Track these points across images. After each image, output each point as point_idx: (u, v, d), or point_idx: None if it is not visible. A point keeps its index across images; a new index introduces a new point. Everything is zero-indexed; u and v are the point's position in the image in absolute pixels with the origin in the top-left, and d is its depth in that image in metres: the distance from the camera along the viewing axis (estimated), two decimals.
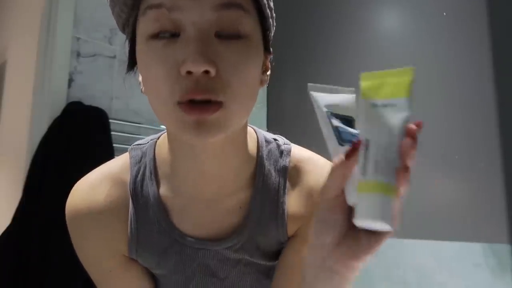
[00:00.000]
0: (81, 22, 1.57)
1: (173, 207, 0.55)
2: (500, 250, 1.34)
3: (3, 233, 1.30)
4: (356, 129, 0.41)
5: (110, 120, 1.53)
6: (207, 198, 0.55)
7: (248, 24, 0.45)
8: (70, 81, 1.52)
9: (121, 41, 1.68)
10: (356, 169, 0.37)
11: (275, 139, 0.62)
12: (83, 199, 0.55)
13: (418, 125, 0.39)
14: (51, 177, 1.34)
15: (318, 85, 0.44)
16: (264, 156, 0.58)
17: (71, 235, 0.58)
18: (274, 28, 0.54)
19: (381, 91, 0.39)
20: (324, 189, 0.39)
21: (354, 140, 0.38)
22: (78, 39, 1.55)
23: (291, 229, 0.58)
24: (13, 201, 1.35)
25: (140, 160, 0.57)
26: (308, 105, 0.45)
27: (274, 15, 0.52)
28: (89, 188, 0.56)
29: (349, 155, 0.37)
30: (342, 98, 0.44)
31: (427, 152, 1.57)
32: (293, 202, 0.58)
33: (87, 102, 1.52)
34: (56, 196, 1.33)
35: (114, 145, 1.50)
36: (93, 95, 1.57)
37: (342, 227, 0.39)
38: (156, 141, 0.60)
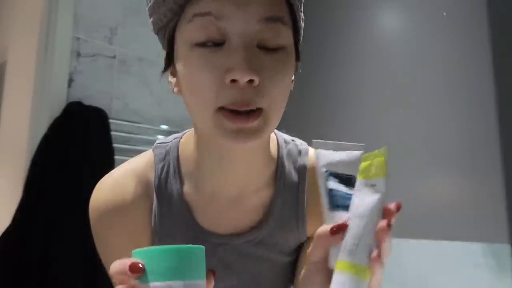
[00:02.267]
0: (81, 22, 1.57)
1: (195, 204, 0.57)
2: (500, 250, 1.34)
3: (3, 233, 1.30)
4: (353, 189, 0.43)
5: (110, 120, 1.53)
6: (229, 197, 0.57)
7: (286, 36, 0.48)
8: (70, 81, 1.52)
9: (121, 41, 1.69)
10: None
11: (292, 140, 0.64)
12: (109, 195, 0.56)
13: (398, 208, 0.41)
14: (51, 177, 1.34)
15: (324, 141, 0.45)
16: (284, 156, 0.61)
17: (96, 230, 0.58)
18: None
19: (370, 171, 0.42)
20: (309, 253, 0.43)
21: (346, 203, 0.41)
22: (78, 39, 1.55)
23: (311, 227, 0.60)
24: (13, 201, 1.35)
25: (164, 158, 0.59)
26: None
27: (302, 27, 0.54)
28: (115, 185, 0.57)
29: (333, 232, 0.40)
30: (346, 156, 0.45)
31: (427, 152, 1.57)
32: (313, 201, 0.60)
33: (87, 102, 1.52)
34: (56, 196, 1.33)
35: (114, 145, 1.50)
36: (93, 95, 1.57)
37: (327, 283, 0.42)
38: (179, 140, 0.61)
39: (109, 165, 1.47)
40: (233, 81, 0.43)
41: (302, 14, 0.52)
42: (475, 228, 1.41)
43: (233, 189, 0.57)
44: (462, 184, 1.46)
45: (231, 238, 0.57)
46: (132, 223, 0.56)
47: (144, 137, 1.68)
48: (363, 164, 0.42)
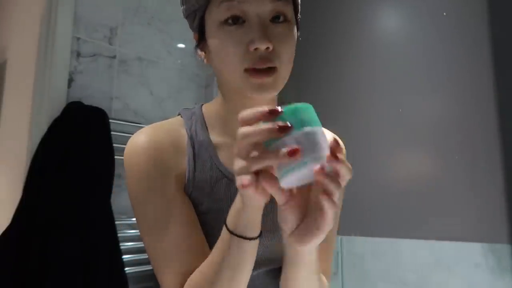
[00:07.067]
0: (81, 22, 1.57)
1: (221, 149, 0.69)
2: (500, 250, 1.34)
3: (3, 233, 1.30)
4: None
5: (110, 120, 1.53)
6: None
7: (290, 11, 0.63)
8: (70, 81, 1.52)
9: (121, 41, 1.69)
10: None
11: None
12: (149, 139, 0.65)
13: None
14: (51, 177, 1.34)
15: None
16: None
17: (134, 169, 0.64)
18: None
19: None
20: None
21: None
22: (78, 39, 1.55)
23: None
24: (13, 201, 1.35)
25: (191, 118, 0.72)
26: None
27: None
28: (152, 129, 0.67)
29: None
30: None
31: (427, 152, 1.57)
32: None
33: (87, 102, 1.52)
34: (56, 196, 1.33)
35: (114, 145, 1.50)
36: (93, 95, 1.57)
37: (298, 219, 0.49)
38: (201, 105, 0.75)
39: (109, 165, 1.47)
40: (255, 49, 0.58)
41: None
42: (475, 228, 1.41)
43: None
44: (462, 184, 1.46)
45: None
46: (171, 159, 0.65)
47: None
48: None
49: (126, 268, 1.43)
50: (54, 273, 1.26)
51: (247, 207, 0.49)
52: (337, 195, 0.44)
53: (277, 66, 0.60)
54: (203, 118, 0.72)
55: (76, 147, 1.40)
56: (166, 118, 0.72)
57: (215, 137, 0.70)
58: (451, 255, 1.43)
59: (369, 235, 1.64)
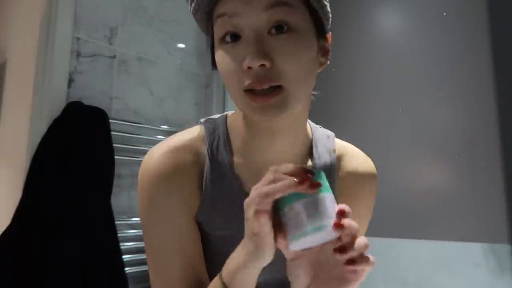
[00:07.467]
0: (81, 22, 1.57)
1: (243, 174, 0.64)
2: (500, 250, 1.34)
3: (3, 233, 1.30)
4: None
5: (110, 120, 1.53)
6: None
7: (294, 18, 0.53)
8: (70, 81, 1.52)
9: (121, 41, 1.69)
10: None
11: (320, 127, 0.73)
12: (164, 161, 0.61)
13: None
14: (51, 177, 1.34)
15: None
16: (317, 138, 0.69)
17: (147, 196, 0.61)
18: (329, 12, 0.61)
19: None
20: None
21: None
22: (78, 39, 1.55)
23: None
24: (13, 201, 1.35)
25: (214, 132, 0.66)
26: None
27: (323, 3, 0.58)
28: (169, 151, 0.62)
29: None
30: None
31: (427, 152, 1.57)
32: (340, 182, 0.68)
33: (87, 102, 1.52)
34: (56, 196, 1.33)
35: (114, 145, 1.50)
36: (93, 95, 1.57)
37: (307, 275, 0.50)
38: (226, 116, 0.68)
39: (109, 165, 1.47)
40: (250, 68, 0.51)
41: None
42: (475, 228, 1.41)
43: (277, 162, 0.62)
44: (462, 184, 1.46)
45: None
46: (186, 187, 0.61)
47: (144, 137, 1.68)
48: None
49: (126, 268, 1.43)
50: (54, 273, 1.26)
51: (248, 262, 0.47)
52: (361, 266, 0.46)
53: (283, 84, 0.52)
54: (227, 134, 0.66)
55: (76, 147, 1.40)
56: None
57: (237, 157, 0.64)
58: (451, 255, 1.43)
59: (369, 235, 1.64)
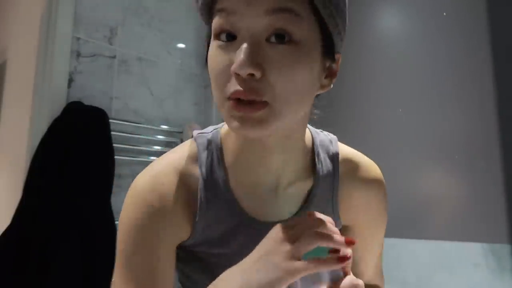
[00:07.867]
0: (81, 22, 1.57)
1: (239, 193, 0.60)
2: (500, 250, 1.34)
3: (3, 233, 1.30)
4: None
5: (110, 120, 1.53)
6: (269, 186, 0.60)
7: (299, 29, 0.46)
8: (70, 81, 1.52)
9: (121, 41, 1.69)
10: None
11: (320, 130, 0.68)
12: (152, 184, 0.57)
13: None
14: (51, 177, 1.34)
15: None
16: (318, 145, 0.65)
17: (129, 216, 0.57)
18: (344, 32, 0.55)
19: None
20: None
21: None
22: (78, 39, 1.55)
23: (343, 216, 0.65)
24: (13, 201, 1.35)
25: (207, 148, 0.61)
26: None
27: (338, 20, 0.52)
28: (152, 178, 0.58)
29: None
30: None
31: (427, 152, 1.57)
32: (345, 190, 0.64)
33: (87, 102, 1.52)
34: (56, 196, 1.33)
35: (114, 145, 1.50)
36: (93, 95, 1.57)
37: None
38: (219, 130, 0.63)
39: (109, 165, 1.47)
40: (237, 74, 0.45)
41: (331, 7, 0.50)
42: (475, 228, 1.41)
43: (271, 180, 0.59)
44: (462, 184, 1.46)
45: (272, 225, 0.57)
46: (175, 217, 0.57)
47: (144, 137, 1.69)
48: None
49: None
50: (54, 273, 1.26)
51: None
52: None
53: (268, 100, 0.46)
54: (220, 150, 0.61)
55: (76, 147, 1.40)
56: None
57: (233, 175, 0.60)
58: (451, 255, 1.43)
59: None
